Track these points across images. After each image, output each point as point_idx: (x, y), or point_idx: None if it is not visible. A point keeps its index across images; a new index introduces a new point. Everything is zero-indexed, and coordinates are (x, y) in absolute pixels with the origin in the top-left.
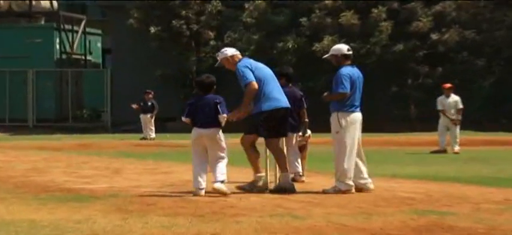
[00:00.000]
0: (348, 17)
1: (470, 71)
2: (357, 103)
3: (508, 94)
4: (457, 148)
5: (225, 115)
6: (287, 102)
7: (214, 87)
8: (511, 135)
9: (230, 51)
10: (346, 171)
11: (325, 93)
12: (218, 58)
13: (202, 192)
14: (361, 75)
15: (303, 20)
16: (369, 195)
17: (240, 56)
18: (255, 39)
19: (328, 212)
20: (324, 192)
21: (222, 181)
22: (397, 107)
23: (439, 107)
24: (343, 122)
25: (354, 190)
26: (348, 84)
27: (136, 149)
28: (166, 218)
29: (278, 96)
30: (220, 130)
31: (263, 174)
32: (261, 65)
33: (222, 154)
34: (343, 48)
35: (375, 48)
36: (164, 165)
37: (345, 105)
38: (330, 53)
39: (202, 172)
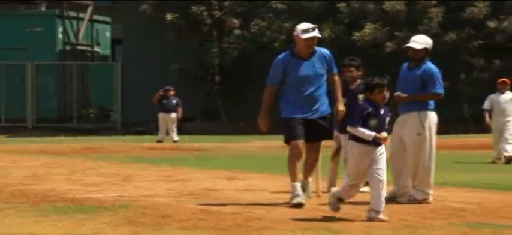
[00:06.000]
0: (393, 3)
1: None
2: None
3: None
4: (510, 152)
5: None
6: None
7: None
8: None
9: None
10: (429, 177)
11: (399, 93)
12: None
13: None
14: None
15: (341, 5)
16: (414, 206)
17: None
18: (286, 28)
19: (369, 225)
20: (398, 202)
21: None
22: (449, 106)
23: (486, 106)
24: (426, 123)
25: (431, 199)
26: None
27: (149, 153)
28: (183, 232)
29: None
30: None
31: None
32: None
33: None
34: (430, 40)
35: None
36: (181, 172)
37: (428, 104)
38: (424, 45)
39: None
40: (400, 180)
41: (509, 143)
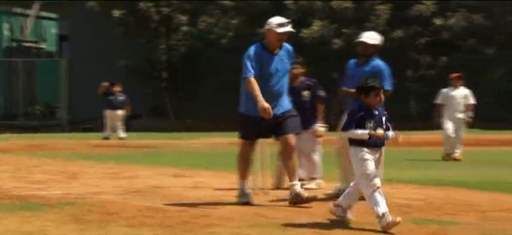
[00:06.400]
0: (340, 2)
1: (478, 61)
2: None
3: None
4: (458, 153)
5: None
6: None
7: None
8: None
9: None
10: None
11: (346, 89)
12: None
13: None
14: None
15: (289, 2)
16: (360, 203)
17: None
18: (233, 25)
19: (316, 221)
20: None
21: None
22: (395, 102)
23: (439, 101)
24: None
25: None
26: None
27: (96, 150)
28: (129, 229)
29: None
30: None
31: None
32: None
33: None
34: (382, 38)
35: None
36: (128, 169)
37: None
38: (375, 41)
39: None
40: (348, 177)
41: (460, 145)
